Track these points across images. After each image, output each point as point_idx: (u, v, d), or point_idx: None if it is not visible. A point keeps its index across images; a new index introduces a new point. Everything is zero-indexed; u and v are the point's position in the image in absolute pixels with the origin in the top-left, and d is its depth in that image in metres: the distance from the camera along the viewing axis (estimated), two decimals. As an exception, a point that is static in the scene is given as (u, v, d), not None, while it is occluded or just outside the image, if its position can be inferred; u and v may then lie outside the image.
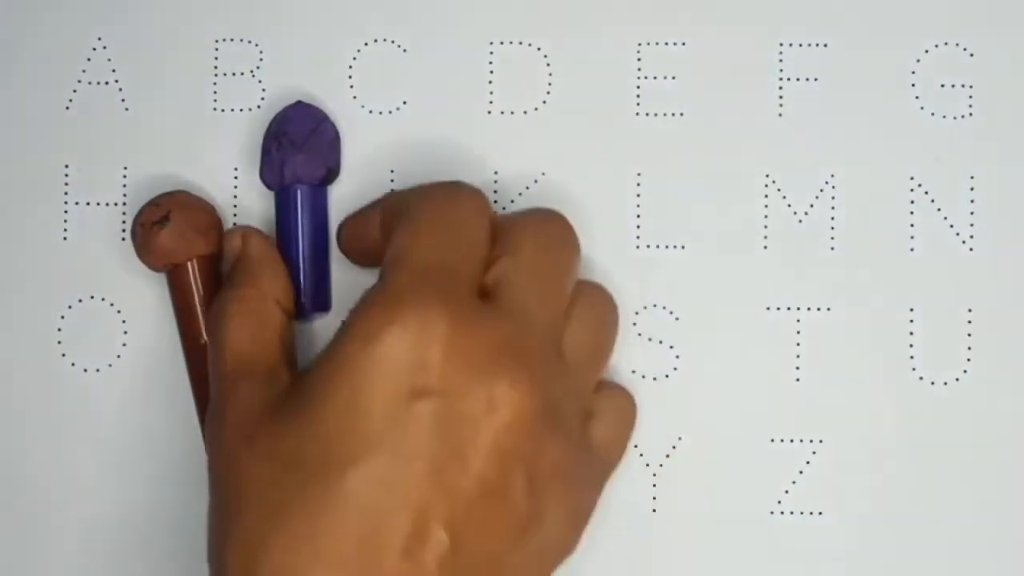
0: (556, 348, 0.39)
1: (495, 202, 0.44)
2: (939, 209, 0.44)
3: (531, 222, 0.40)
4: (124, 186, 0.45)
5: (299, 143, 0.43)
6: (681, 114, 0.45)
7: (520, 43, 0.45)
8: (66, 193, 0.45)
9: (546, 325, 0.39)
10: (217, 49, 0.45)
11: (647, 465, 0.44)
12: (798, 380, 0.44)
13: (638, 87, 0.45)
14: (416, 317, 0.36)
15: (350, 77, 0.45)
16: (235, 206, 0.45)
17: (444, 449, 0.36)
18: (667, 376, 0.44)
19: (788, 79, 0.45)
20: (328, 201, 0.44)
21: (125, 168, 0.45)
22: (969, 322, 0.44)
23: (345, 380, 0.36)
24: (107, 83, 0.45)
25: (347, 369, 0.36)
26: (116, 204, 0.45)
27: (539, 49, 0.45)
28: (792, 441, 0.44)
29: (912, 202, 0.44)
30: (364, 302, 0.37)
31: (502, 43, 0.45)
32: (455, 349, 0.36)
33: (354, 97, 0.45)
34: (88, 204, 0.45)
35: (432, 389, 0.36)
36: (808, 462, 0.44)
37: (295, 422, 0.36)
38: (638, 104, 0.45)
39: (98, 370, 0.44)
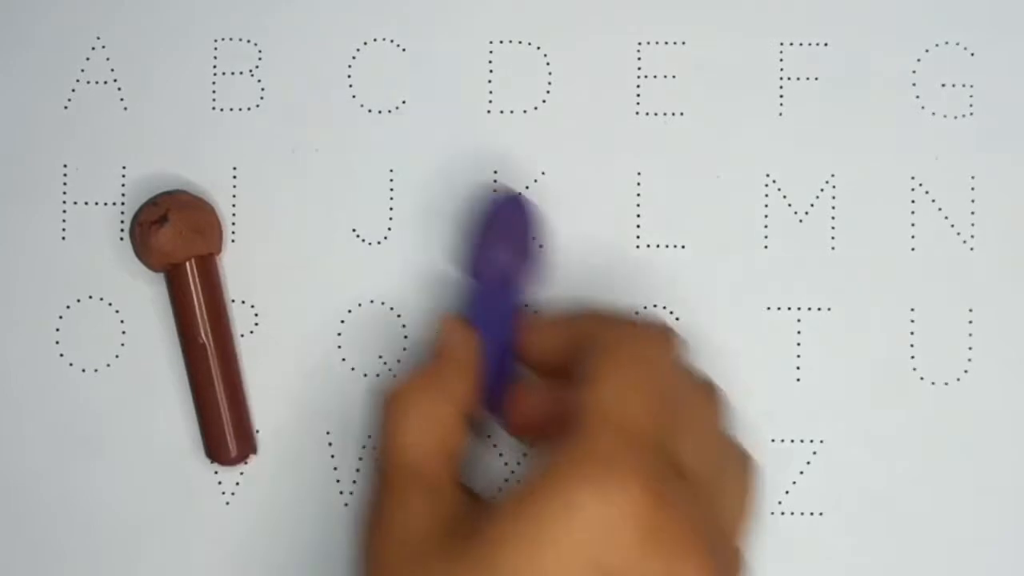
0: (725, 524, 0.38)
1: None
2: (939, 209, 0.44)
3: (701, 399, 0.39)
4: (123, 186, 0.45)
5: (509, 237, 0.42)
6: (681, 114, 0.45)
7: (520, 43, 0.45)
8: (65, 193, 0.45)
9: (720, 508, 0.37)
10: (216, 49, 0.45)
11: (647, 465, 0.43)
12: (798, 380, 0.44)
13: (638, 87, 0.45)
14: (618, 491, 0.34)
15: (350, 77, 0.45)
16: (234, 206, 0.45)
17: None
18: (667, 376, 0.44)
19: (788, 79, 0.45)
20: (520, 299, 0.43)
21: (124, 168, 0.45)
22: (969, 322, 0.44)
23: (529, 536, 0.34)
24: (106, 83, 0.45)
25: (534, 525, 0.34)
26: (115, 204, 0.45)
27: (539, 49, 0.45)
28: (792, 441, 0.44)
29: (912, 202, 0.44)
30: (563, 456, 0.35)
31: (502, 43, 0.45)
32: (650, 530, 0.34)
33: (354, 97, 0.45)
34: (87, 204, 0.45)
35: (619, 569, 0.33)
36: (808, 462, 0.44)
37: (467, 563, 0.34)
38: (638, 104, 0.45)
39: (97, 370, 0.44)
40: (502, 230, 0.42)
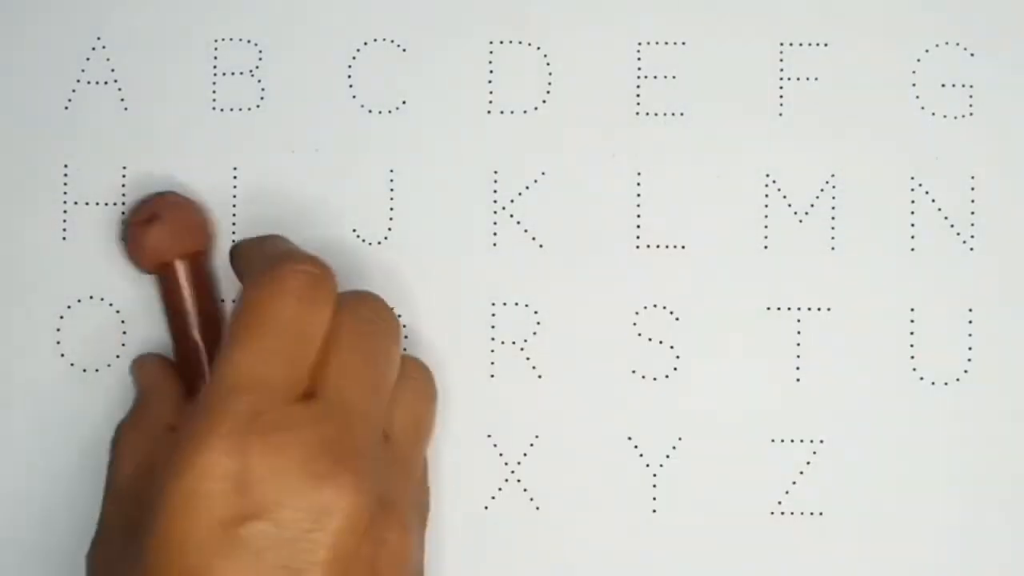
0: (381, 435, 0.38)
1: (495, 202, 0.44)
2: (939, 209, 0.44)
3: (346, 317, 0.39)
4: (123, 186, 0.45)
5: None
6: (681, 114, 0.45)
7: (520, 43, 0.45)
8: (65, 193, 0.45)
9: (369, 416, 0.37)
10: (216, 49, 0.45)
11: (647, 465, 0.44)
12: (798, 380, 0.44)
13: (638, 87, 0.45)
14: (225, 443, 0.35)
15: (350, 77, 0.45)
16: (234, 206, 0.45)
17: (278, 570, 0.34)
18: (667, 376, 0.44)
19: (788, 79, 0.45)
20: None
21: (124, 168, 0.45)
22: (969, 322, 0.44)
23: (161, 515, 0.35)
24: (106, 83, 0.45)
25: (161, 503, 0.35)
26: (115, 204, 0.45)
27: (539, 49, 0.45)
28: (792, 441, 0.44)
29: (912, 202, 0.44)
30: (180, 429, 0.36)
31: (502, 43, 0.45)
32: (271, 467, 0.35)
33: (354, 97, 0.45)
34: (87, 204, 0.45)
35: (253, 512, 0.34)
36: (808, 462, 0.44)
37: (131, 556, 0.36)
38: (638, 104, 0.45)
39: (97, 370, 0.44)
40: None
